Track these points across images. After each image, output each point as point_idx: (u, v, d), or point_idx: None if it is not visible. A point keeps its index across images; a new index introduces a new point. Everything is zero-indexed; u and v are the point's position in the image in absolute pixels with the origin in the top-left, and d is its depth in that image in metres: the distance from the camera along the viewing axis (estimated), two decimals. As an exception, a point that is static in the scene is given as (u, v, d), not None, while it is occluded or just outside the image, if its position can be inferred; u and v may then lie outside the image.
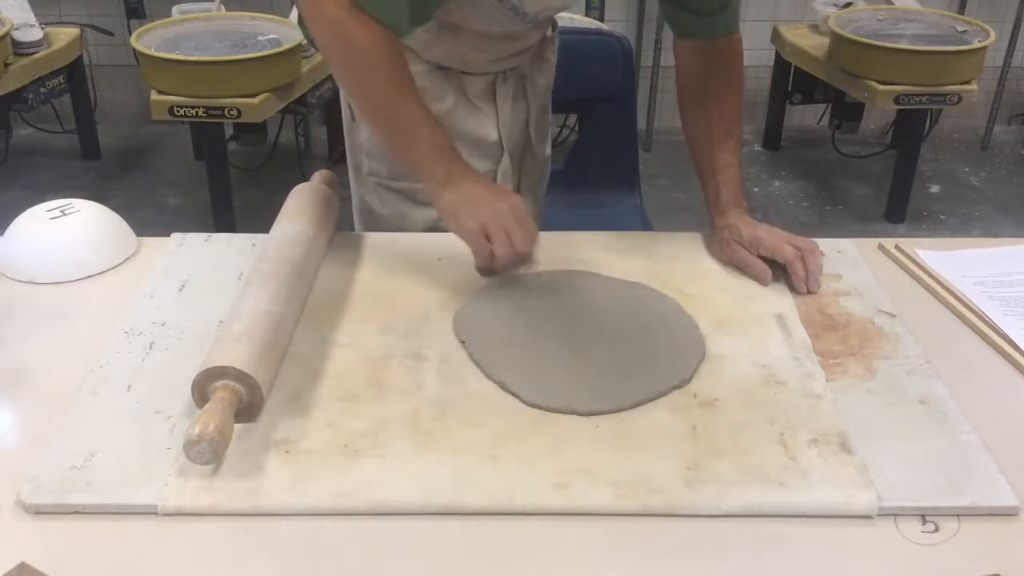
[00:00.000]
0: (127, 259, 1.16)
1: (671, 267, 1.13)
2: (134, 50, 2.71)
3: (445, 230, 1.23)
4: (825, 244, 1.17)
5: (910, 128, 3.08)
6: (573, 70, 1.79)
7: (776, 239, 1.11)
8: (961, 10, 3.49)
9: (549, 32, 1.38)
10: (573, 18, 3.02)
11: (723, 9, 1.20)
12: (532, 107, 1.36)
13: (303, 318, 1.01)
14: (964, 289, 1.08)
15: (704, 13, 1.20)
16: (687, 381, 0.92)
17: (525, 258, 1.06)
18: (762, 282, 1.10)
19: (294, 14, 3.00)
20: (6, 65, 2.80)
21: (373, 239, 1.20)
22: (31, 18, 2.96)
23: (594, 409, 0.88)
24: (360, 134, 1.33)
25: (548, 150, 1.48)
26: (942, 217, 3.16)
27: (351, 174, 1.38)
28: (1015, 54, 3.51)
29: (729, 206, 1.17)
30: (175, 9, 3.03)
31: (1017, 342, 0.99)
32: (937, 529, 0.77)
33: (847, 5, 3.22)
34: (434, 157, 1.06)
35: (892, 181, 3.11)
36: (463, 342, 0.98)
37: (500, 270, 1.07)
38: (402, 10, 1.05)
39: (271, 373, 0.89)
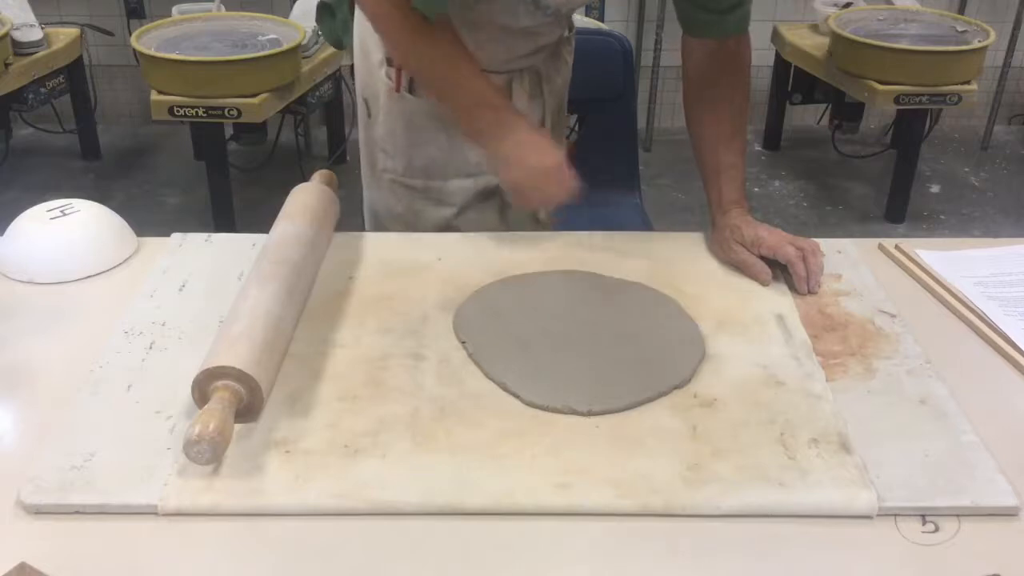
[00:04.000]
0: (127, 259, 1.16)
1: (671, 267, 1.13)
2: (134, 50, 2.71)
3: (457, 229, 1.24)
4: (825, 244, 1.16)
5: (910, 128, 3.08)
6: (573, 70, 1.78)
7: (777, 239, 1.11)
8: (961, 10, 3.49)
9: (566, 32, 1.38)
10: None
11: (737, 7, 1.20)
12: (548, 106, 1.36)
13: (303, 318, 1.01)
14: (964, 289, 1.08)
15: (717, 11, 1.19)
16: (687, 381, 0.92)
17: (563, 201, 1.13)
18: (762, 282, 1.10)
19: (294, 13, 3.00)
20: (6, 65, 2.80)
21: (373, 239, 1.20)
22: (31, 18, 2.96)
23: (594, 409, 0.88)
24: (376, 131, 1.34)
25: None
26: (942, 217, 3.16)
27: (364, 171, 1.39)
28: (1015, 54, 3.51)
29: (731, 205, 1.17)
30: (175, 9, 3.03)
31: (1017, 342, 0.99)
32: (937, 529, 0.77)
33: (847, 5, 3.22)
34: (476, 112, 1.14)
35: (892, 181, 3.11)
36: (463, 342, 0.98)
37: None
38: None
39: (271, 373, 0.89)
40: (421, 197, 1.33)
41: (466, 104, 1.15)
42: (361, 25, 1.33)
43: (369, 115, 1.34)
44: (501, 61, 1.27)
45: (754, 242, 1.12)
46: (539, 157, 1.13)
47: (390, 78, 1.27)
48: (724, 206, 1.17)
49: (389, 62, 1.27)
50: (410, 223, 1.34)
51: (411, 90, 1.27)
